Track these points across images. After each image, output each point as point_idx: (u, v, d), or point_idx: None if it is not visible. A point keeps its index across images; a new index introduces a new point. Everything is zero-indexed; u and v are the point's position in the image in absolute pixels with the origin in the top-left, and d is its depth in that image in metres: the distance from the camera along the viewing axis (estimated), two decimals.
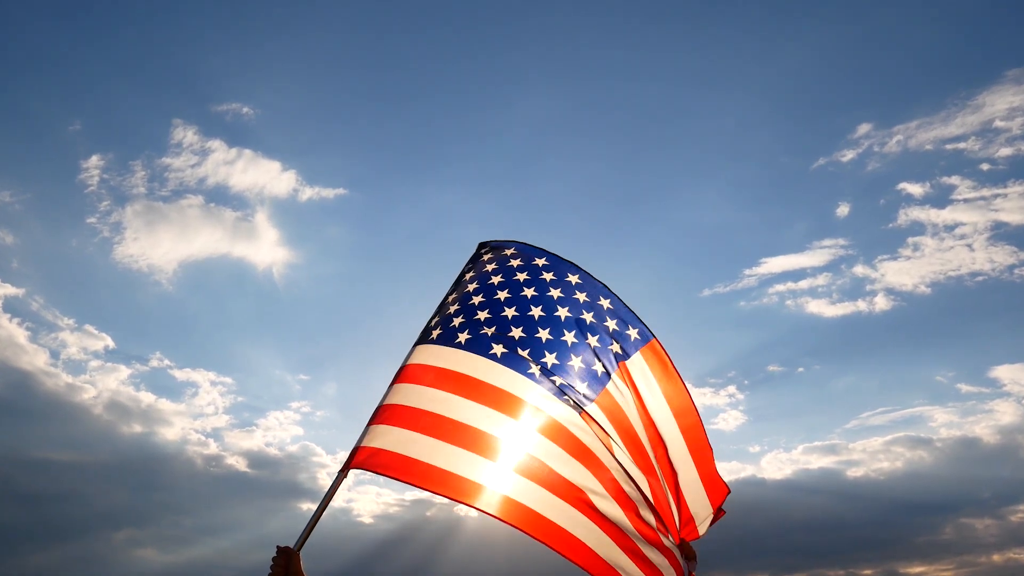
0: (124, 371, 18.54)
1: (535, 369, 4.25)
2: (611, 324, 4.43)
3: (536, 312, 4.41)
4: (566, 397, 4.21)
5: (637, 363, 4.37)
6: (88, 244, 19.00)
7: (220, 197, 19.31)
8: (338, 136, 20.90)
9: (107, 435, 17.89)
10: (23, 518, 16.39)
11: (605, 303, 4.49)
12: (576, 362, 4.31)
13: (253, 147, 19.35)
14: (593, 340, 4.38)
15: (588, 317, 4.43)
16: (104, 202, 18.64)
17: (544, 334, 4.36)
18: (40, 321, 18.18)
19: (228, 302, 21.08)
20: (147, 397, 18.58)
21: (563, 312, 4.43)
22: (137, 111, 19.75)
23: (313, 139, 21.07)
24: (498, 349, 4.30)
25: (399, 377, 4.36)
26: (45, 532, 16.46)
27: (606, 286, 4.55)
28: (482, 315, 4.42)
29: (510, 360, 4.27)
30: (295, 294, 20.60)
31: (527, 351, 4.29)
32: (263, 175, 19.33)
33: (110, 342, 18.57)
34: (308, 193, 19.55)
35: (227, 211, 19.41)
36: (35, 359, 17.55)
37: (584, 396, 4.24)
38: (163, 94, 19.82)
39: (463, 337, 4.36)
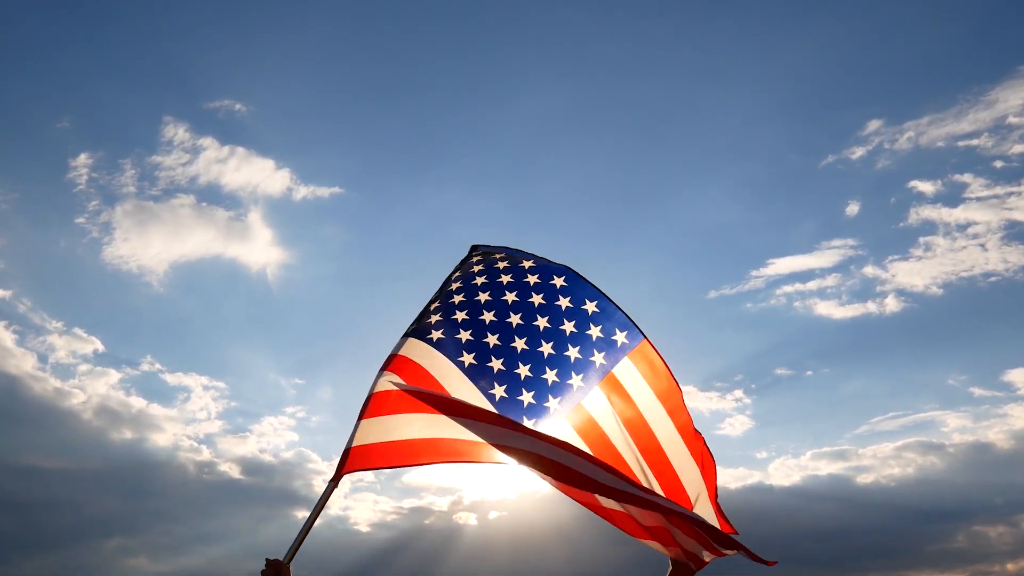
0: (114, 375, 18.13)
1: (498, 391, 4.12)
2: (595, 332, 4.30)
3: (515, 320, 4.31)
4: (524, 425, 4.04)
5: (626, 368, 4.24)
6: (77, 245, 18.59)
7: (212, 196, 18.90)
8: (333, 134, 20.52)
9: (97, 441, 17.56)
10: (10, 526, 16.09)
11: (591, 307, 4.35)
12: (551, 375, 4.20)
13: (246, 145, 18.94)
14: (573, 351, 4.26)
15: (569, 327, 4.30)
16: (93, 202, 18.22)
17: (520, 344, 4.25)
18: (27, 324, 17.79)
19: (221, 304, 20.68)
20: (138, 402, 18.19)
21: (542, 322, 4.31)
22: (127, 108, 19.35)
23: (308, 137, 20.68)
24: (467, 358, 4.20)
25: (386, 366, 4.17)
26: (33, 541, 16.17)
27: (596, 287, 4.40)
28: (460, 315, 4.32)
29: (475, 373, 4.16)
30: (290, 295, 20.19)
31: (500, 360, 4.20)
32: (256, 174, 18.92)
33: (99, 345, 18.17)
34: (303, 192, 19.13)
35: (219, 211, 19.00)
36: (22, 363, 17.17)
37: (555, 410, 4.13)
38: (153, 91, 19.44)
39: (436, 334, 4.24)
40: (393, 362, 4.16)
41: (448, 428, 3.82)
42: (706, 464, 4.16)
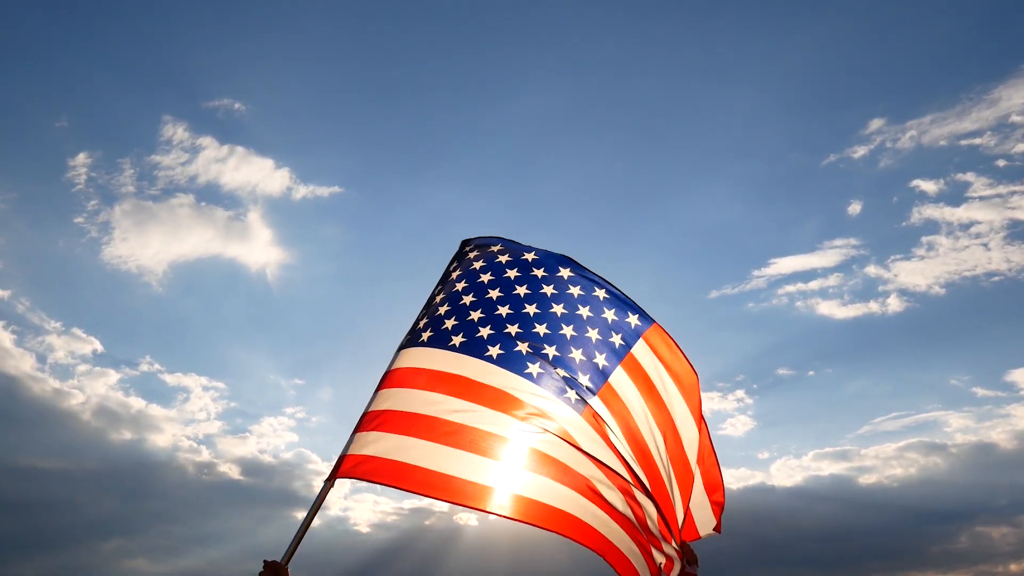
0: (113, 376, 18.07)
1: (533, 368, 4.16)
2: (609, 315, 4.38)
3: (531, 310, 4.35)
4: (567, 395, 4.11)
5: (642, 349, 4.34)
6: (76, 245, 18.55)
7: (211, 196, 18.88)
8: (333, 133, 20.48)
9: (96, 442, 17.47)
10: (9, 527, 15.97)
11: (600, 293, 4.44)
12: (577, 355, 4.24)
13: (245, 144, 18.93)
14: (593, 333, 4.32)
15: (585, 312, 4.37)
16: (92, 201, 18.18)
17: (541, 329, 4.29)
18: (26, 324, 17.73)
19: (220, 304, 20.63)
20: (137, 402, 18.12)
21: (558, 309, 4.37)
22: (125, 107, 19.35)
23: (307, 136, 20.66)
24: (494, 351, 4.22)
25: (384, 383, 4.24)
26: (32, 542, 16.04)
27: (600, 276, 4.50)
28: (475, 315, 4.34)
29: (506, 361, 4.18)
30: (289, 296, 20.14)
31: (526, 344, 4.23)
32: (256, 173, 18.89)
33: (98, 346, 18.13)
34: (302, 191, 19.11)
35: (219, 210, 18.97)
36: (21, 364, 17.10)
37: (587, 388, 4.17)
38: (152, 90, 19.43)
39: (457, 340, 4.27)
40: (402, 376, 4.20)
41: (444, 463, 3.89)
42: (705, 453, 4.27)
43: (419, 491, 3.84)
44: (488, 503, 3.84)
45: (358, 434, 4.03)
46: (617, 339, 4.30)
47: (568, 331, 4.28)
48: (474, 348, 4.22)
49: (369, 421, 4.07)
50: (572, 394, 4.10)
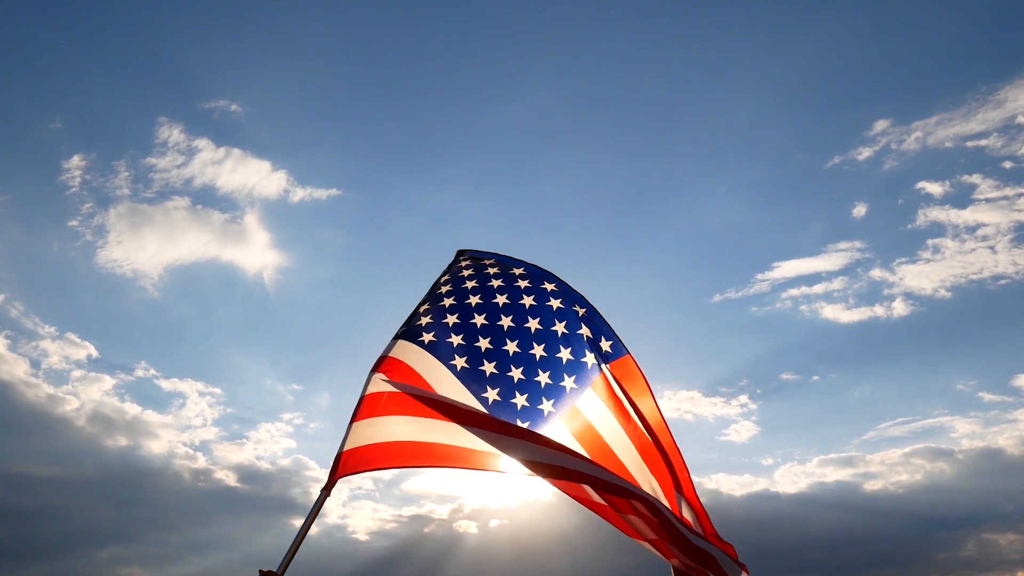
0: (108, 381, 17.92)
1: (491, 394, 4.12)
2: (586, 332, 4.34)
3: (506, 322, 4.33)
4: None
5: (611, 375, 4.29)
6: (70, 248, 18.40)
7: (208, 198, 18.73)
8: (331, 134, 20.35)
9: (90, 448, 17.31)
10: (2, 535, 15.77)
11: (580, 310, 4.41)
12: (543, 378, 4.21)
13: (242, 146, 18.80)
14: (565, 353, 4.28)
15: (560, 327, 4.34)
16: (86, 204, 18.04)
17: (512, 347, 4.26)
18: (20, 329, 17.57)
19: (216, 308, 20.47)
20: (132, 408, 17.96)
21: (534, 324, 4.34)
22: (121, 109, 19.22)
23: (304, 137, 20.53)
24: (460, 361, 4.19)
25: (377, 367, 4.17)
26: (26, 550, 15.90)
27: (583, 296, 4.47)
28: (451, 319, 4.33)
29: (469, 377, 4.16)
30: (287, 299, 19.98)
31: (493, 364, 4.20)
32: (252, 175, 18.75)
33: (93, 351, 17.96)
34: (300, 194, 18.96)
35: (215, 213, 18.82)
36: (14, 369, 16.94)
37: (549, 413, 4.14)
38: (148, 91, 19.31)
39: (427, 337, 4.24)
40: (384, 363, 4.16)
41: (443, 433, 3.81)
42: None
43: (406, 464, 3.81)
44: (488, 464, 3.76)
45: (352, 425, 3.96)
46: (591, 358, 4.26)
47: (539, 351, 4.23)
48: (441, 351, 4.21)
49: (359, 409, 4.01)
50: (524, 427, 4.02)
